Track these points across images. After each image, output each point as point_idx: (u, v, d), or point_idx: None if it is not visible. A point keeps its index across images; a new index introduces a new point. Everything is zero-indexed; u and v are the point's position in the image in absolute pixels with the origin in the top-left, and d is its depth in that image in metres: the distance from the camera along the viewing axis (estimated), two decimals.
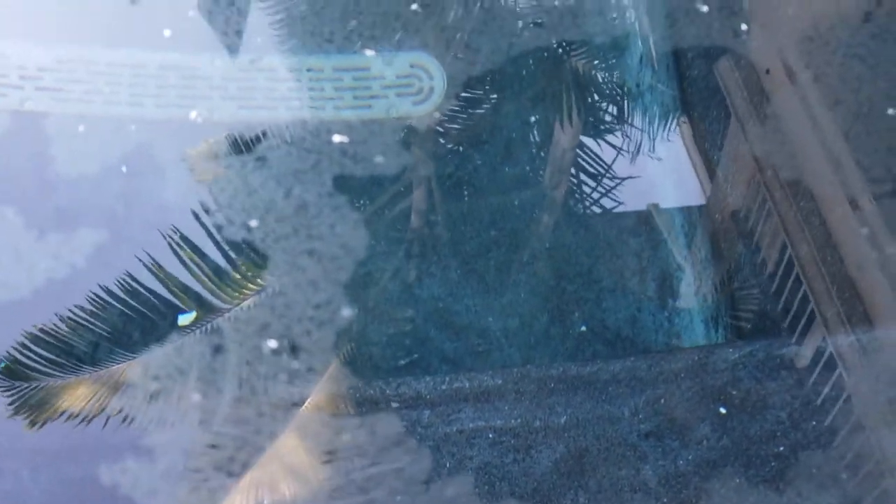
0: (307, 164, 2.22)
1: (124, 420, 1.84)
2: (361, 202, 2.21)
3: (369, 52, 2.46)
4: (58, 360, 1.95)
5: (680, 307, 2.12)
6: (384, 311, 2.06)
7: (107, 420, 1.85)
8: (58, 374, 1.93)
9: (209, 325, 2.01)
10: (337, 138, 2.29)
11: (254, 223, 2.13)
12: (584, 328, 2.06)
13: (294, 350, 1.93)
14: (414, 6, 2.55)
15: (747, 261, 2.19)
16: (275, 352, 1.93)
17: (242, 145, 2.31)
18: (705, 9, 2.55)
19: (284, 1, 2.60)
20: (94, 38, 2.58)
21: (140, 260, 2.09)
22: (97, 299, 2.03)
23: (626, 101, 2.51)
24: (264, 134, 2.31)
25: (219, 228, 2.16)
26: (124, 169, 2.29)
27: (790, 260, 2.13)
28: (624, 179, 2.36)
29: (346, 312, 2.00)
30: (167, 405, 1.86)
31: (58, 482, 1.81)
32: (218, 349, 1.96)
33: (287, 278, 2.05)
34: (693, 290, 2.15)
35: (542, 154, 2.39)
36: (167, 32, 2.51)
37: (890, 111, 2.17)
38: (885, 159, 2.15)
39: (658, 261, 2.18)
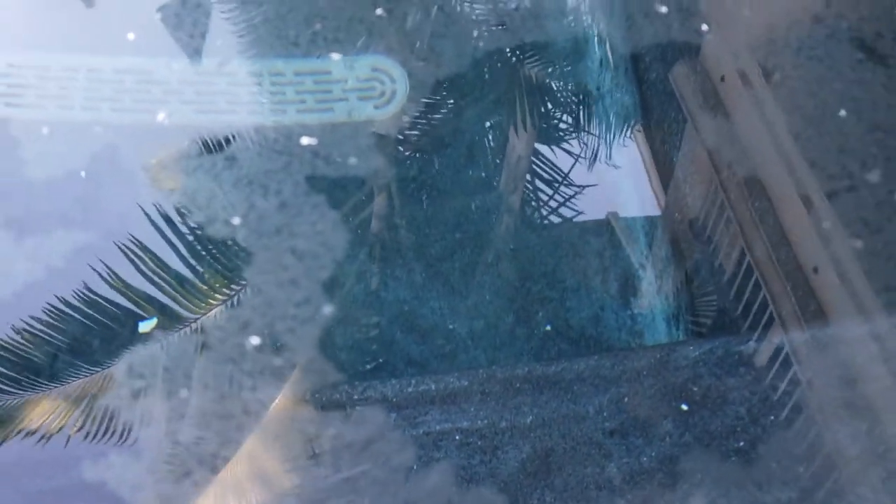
0: (277, 165, 2.22)
1: (103, 421, 1.83)
2: (326, 206, 2.21)
3: (335, 56, 2.47)
4: (15, 375, 1.92)
5: (642, 306, 2.15)
6: (350, 316, 2.05)
7: (84, 428, 1.83)
8: (16, 390, 1.89)
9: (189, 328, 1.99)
10: (305, 140, 2.29)
11: (235, 220, 2.12)
12: (548, 328, 2.07)
13: (279, 349, 1.93)
14: (379, 11, 2.56)
15: (706, 260, 2.23)
16: (258, 349, 1.93)
17: (212, 147, 2.30)
18: (664, 10, 2.60)
19: (249, 5, 2.59)
20: (52, 43, 2.54)
21: (101, 269, 2.06)
22: (55, 310, 1.99)
23: (582, 108, 2.54)
24: (234, 136, 2.31)
25: (183, 233, 2.15)
26: (83, 174, 2.26)
27: (747, 259, 2.18)
28: (584, 187, 2.39)
29: (317, 315, 1.99)
30: (152, 402, 1.85)
31: (45, 486, 1.79)
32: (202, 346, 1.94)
33: (267, 277, 2.05)
34: (654, 289, 2.18)
35: (504, 158, 2.41)
36: (131, 36, 2.49)
37: (842, 113, 2.24)
38: (838, 159, 2.22)
39: (620, 261, 2.21)
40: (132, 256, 2.09)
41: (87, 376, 1.91)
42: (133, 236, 2.12)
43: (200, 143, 2.30)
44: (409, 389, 1.91)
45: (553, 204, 2.35)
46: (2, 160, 2.27)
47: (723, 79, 2.46)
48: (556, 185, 2.37)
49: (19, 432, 1.83)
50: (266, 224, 2.16)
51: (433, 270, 2.16)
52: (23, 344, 1.94)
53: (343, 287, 2.09)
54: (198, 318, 2.00)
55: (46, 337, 1.96)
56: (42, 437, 1.82)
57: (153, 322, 2.00)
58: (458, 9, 2.64)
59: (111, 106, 2.38)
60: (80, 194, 2.21)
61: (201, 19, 2.56)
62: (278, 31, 2.52)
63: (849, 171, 2.12)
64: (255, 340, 1.94)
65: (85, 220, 2.16)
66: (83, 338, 1.98)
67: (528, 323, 2.08)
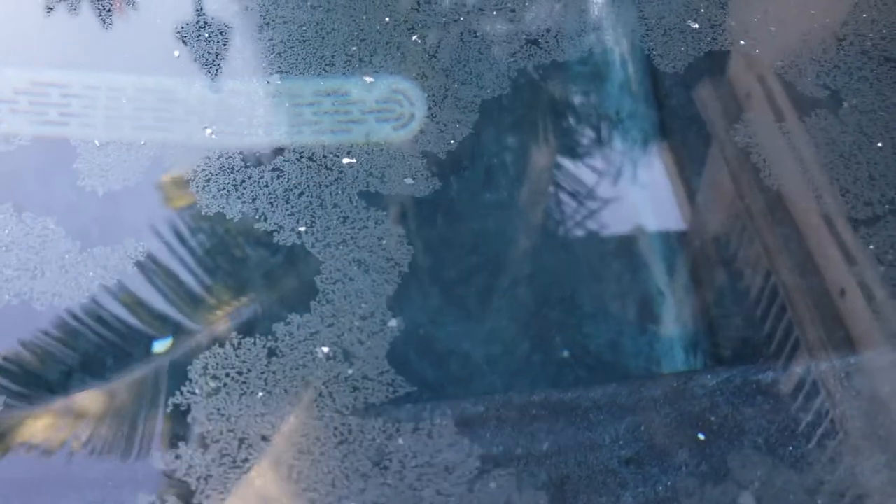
0: (325, 178, 2.23)
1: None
2: (337, 225, 2.21)
3: (368, 79, 2.49)
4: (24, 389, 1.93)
5: (660, 333, 2.13)
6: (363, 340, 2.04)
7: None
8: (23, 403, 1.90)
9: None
10: (346, 160, 2.30)
11: (304, 228, 2.14)
12: (565, 354, 2.06)
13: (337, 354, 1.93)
14: (415, 37, 2.58)
15: (728, 287, 2.21)
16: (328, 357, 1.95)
17: (224, 168, 2.31)
18: (695, 27, 2.58)
19: (289, 24, 2.61)
20: (74, 62, 2.57)
21: (119, 287, 2.08)
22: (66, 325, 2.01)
23: (606, 128, 2.53)
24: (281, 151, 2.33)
25: (194, 249, 2.16)
26: (101, 192, 2.28)
27: (770, 285, 2.16)
28: (606, 203, 2.37)
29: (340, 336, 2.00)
30: (225, 401, 1.89)
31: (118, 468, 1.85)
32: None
33: (337, 285, 2.06)
34: (673, 316, 2.16)
35: (523, 180, 2.41)
36: (152, 55, 2.52)
37: (879, 144, 2.22)
38: (871, 183, 2.19)
39: (638, 286, 2.19)
40: (149, 273, 2.10)
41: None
42: (149, 253, 2.13)
43: (213, 162, 2.32)
44: (425, 414, 1.90)
45: (575, 220, 2.34)
46: (27, 177, 2.29)
47: (748, 95, 2.45)
48: (581, 202, 2.36)
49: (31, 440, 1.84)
50: (283, 242, 2.16)
51: (450, 294, 2.15)
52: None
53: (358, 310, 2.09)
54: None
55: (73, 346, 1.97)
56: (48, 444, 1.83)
57: (168, 342, 2.00)
58: (482, 34, 2.65)
59: (132, 124, 2.39)
60: (100, 212, 2.22)
61: (224, 39, 2.59)
62: (315, 52, 2.54)
63: (888, 196, 2.09)
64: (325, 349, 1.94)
65: (104, 237, 2.17)
66: (97, 353, 2.00)
67: (544, 348, 2.06)
